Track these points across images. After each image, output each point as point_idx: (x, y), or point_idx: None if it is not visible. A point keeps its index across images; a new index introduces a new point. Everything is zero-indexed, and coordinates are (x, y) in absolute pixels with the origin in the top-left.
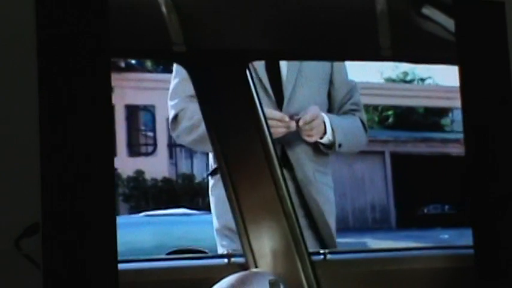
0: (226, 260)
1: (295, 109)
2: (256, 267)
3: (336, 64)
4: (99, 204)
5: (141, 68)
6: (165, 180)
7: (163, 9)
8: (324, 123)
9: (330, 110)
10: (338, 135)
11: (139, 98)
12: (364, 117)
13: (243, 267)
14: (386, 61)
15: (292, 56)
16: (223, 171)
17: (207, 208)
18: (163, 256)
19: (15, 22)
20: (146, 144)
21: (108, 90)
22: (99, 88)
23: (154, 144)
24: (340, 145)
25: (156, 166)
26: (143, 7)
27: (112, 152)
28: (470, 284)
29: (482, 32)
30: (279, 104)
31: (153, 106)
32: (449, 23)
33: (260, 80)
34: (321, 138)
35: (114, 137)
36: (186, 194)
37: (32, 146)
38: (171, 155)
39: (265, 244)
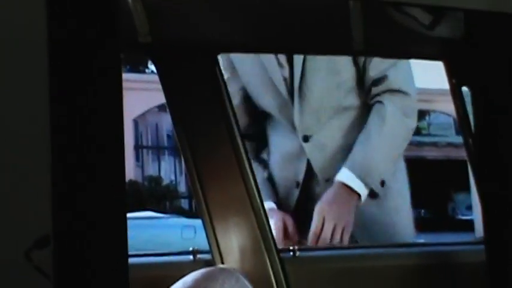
0: (191, 257)
1: (313, 100)
2: (222, 263)
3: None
4: (110, 215)
5: None
6: (131, 183)
7: None
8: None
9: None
10: (373, 182)
11: None
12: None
13: (210, 264)
14: (359, 55)
15: (262, 48)
16: (190, 167)
17: (174, 211)
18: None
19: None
20: None
21: (119, 92)
22: (111, 94)
23: None
24: (383, 182)
25: None
26: None
27: (123, 160)
28: (443, 282)
29: (489, 44)
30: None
31: None
32: (425, 16)
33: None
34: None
35: (123, 145)
36: (153, 197)
37: (42, 157)
38: (138, 157)
39: (233, 241)
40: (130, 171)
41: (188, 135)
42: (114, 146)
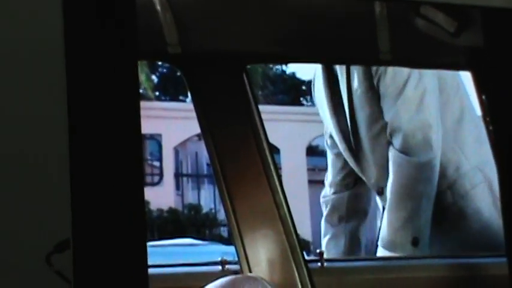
0: (220, 267)
1: None
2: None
3: None
4: (129, 219)
5: (148, 96)
6: (171, 210)
7: (158, 7)
8: None
9: None
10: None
11: (145, 127)
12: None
13: (237, 274)
14: (386, 65)
15: (290, 59)
16: (218, 177)
17: (213, 238)
18: (156, 263)
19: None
20: (152, 174)
21: (137, 93)
22: (128, 89)
23: (161, 174)
24: (416, 240)
25: (162, 196)
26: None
27: (142, 164)
28: None
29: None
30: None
31: (159, 135)
32: (451, 24)
33: None
34: None
35: (142, 147)
36: (193, 224)
37: (61, 162)
38: (178, 186)
39: (261, 251)
40: (171, 200)
41: (216, 144)
42: (132, 146)
